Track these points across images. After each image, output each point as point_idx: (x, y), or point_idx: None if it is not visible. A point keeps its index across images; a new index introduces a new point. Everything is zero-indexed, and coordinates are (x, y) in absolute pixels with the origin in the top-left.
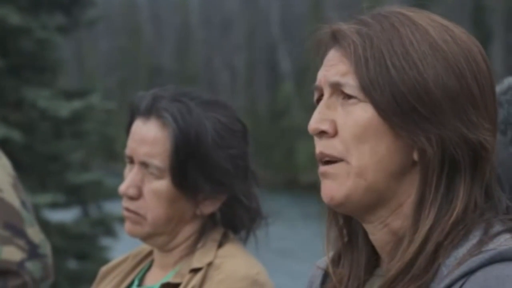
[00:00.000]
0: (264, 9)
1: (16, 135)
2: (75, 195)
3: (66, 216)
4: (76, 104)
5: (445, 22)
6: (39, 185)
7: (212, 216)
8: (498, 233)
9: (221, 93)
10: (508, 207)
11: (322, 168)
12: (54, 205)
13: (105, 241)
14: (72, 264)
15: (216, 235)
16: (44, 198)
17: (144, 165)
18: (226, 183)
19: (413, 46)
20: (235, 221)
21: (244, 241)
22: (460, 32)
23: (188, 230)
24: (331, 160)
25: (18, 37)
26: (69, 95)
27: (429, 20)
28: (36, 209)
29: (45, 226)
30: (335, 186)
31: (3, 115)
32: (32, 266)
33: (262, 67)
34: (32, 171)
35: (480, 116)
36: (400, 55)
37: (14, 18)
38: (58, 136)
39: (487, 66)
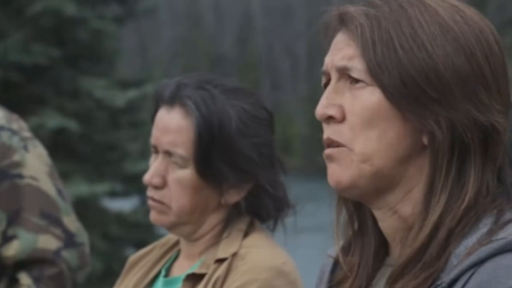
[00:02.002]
0: None
1: (72, 124)
2: (133, 184)
3: (125, 205)
4: (131, 94)
5: (456, 2)
6: (96, 175)
7: (237, 205)
8: (509, 221)
9: (282, 80)
10: None
11: (327, 151)
12: (113, 194)
13: (161, 229)
14: (130, 252)
15: (242, 224)
16: (102, 187)
17: (168, 154)
18: (250, 172)
19: (422, 27)
20: (260, 210)
21: (272, 230)
22: (472, 13)
23: (213, 220)
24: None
25: (74, 28)
26: (125, 85)
27: (439, 1)
28: (94, 198)
29: (104, 215)
30: (340, 170)
31: (60, 105)
32: (68, 255)
33: (323, 54)
34: (90, 160)
35: (492, 98)
36: (409, 37)
37: (70, 8)
38: (114, 126)
39: (499, 48)
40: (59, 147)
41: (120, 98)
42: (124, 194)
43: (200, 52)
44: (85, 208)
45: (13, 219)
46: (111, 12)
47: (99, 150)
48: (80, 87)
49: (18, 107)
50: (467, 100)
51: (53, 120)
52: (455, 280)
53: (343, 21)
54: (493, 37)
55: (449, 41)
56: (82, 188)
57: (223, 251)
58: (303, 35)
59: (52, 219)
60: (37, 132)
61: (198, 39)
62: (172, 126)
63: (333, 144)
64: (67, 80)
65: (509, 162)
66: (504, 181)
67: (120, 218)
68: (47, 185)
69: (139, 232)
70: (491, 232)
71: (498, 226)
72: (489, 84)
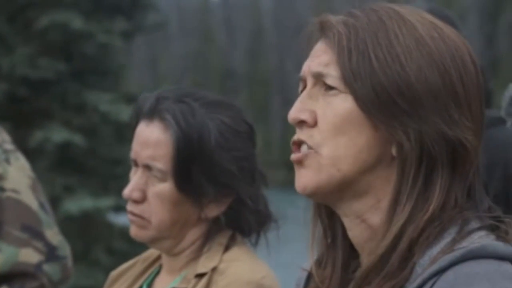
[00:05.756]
0: (336, 11)
1: (78, 139)
2: None
3: None
4: None
5: (436, 20)
6: (102, 189)
7: (217, 219)
8: (473, 231)
9: (293, 96)
10: (490, 207)
11: (294, 156)
12: (118, 209)
13: None
14: None
15: (223, 238)
16: (107, 201)
17: (148, 168)
18: (230, 186)
19: (398, 39)
20: (241, 224)
21: (254, 245)
22: (450, 31)
23: (193, 234)
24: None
25: (81, 42)
26: (131, 99)
27: (418, 17)
28: (100, 213)
29: (109, 230)
30: (308, 175)
31: (66, 119)
32: (49, 268)
33: None
34: (95, 174)
35: (462, 114)
36: (384, 48)
37: (76, 23)
38: (120, 140)
39: (475, 67)
40: (64, 161)
41: (126, 113)
42: None
43: (211, 67)
44: (90, 223)
45: None
46: (118, 27)
47: (104, 164)
48: (86, 102)
49: (24, 121)
50: (437, 114)
51: (59, 134)
52: None
53: (323, 29)
54: (470, 56)
55: (424, 55)
56: (87, 202)
57: (203, 265)
58: None
59: (34, 232)
60: (43, 146)
61: (209, 54)
62: (151, 140)
63: (303, 146)
64: (73, 95)
65: (482, 182)
66: (474, 198)
67: (125, 233)
68: (29, 198)
69: (144, 247)
70: (454, 242)
71: (461, 235)
72: (460, 101)
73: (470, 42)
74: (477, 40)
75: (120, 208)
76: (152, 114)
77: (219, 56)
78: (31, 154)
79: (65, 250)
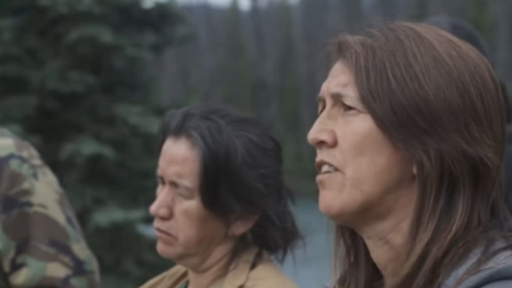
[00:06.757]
0: (367, 22)
1: (108, 151)
2: None
3: None
4: None
5: (454, 38)
6: (131, 201)
7: (244, 236)
8: (498, 251)
9: None
10: None
11: (319, 177)
12: (148, 221)
13: None
14: None
15: (249, 256)
16: (137, 213)
17: (174, 185)
18: (257, 203)
19: (416, 58)
20: (268, 241)
21: (281, 262)
22: (469, 49)
23: (220, 251)
24: (328, 170)
25: (110, 55)
26: (161, 112)
27: (436, 35)
28: (130, 225)
29: (139, 242)
30: (331, 196)
31: (96, 132)
32: (77, 283)
33: None
34: (125, 187)
35: (483, 132)
36: (402, 67)
37: (106, 36)
38: (150, 152)
39: (494, 85)
40: (94, 173)
41: (155, 125)
42: None
43: (241, 79)
44: (120, 235)
45: (22, 247)
46: (147, 40)
47: (134, 176)
48: (116, 114)
49: (55, 134)
50: (457, 132)
51: (89, 147)
52: None
53: (340, 50)
54: (489, 74)
55: (442, 74)
56: (117, 214)
57: (229, 283)
58: None
59: (61, 247)
60: (73, 158)
61: (239, 66)
62: (178, 157)
63: (324, 166)
64: (103, 107)
65: (505, 200)
66: (498, 216)
67: (154, 245)
68: (56, 213)
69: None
70: (479, 262)
71: (486, 256)
72: (480, 119)
73: (500, 54)
74: (507, 51)
75: (150, 220)
76: (179, 131)
77: (249, 68)
78: (62, 167)
79: (93, 264)
